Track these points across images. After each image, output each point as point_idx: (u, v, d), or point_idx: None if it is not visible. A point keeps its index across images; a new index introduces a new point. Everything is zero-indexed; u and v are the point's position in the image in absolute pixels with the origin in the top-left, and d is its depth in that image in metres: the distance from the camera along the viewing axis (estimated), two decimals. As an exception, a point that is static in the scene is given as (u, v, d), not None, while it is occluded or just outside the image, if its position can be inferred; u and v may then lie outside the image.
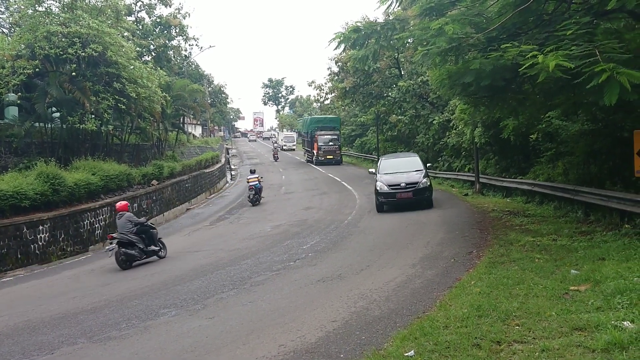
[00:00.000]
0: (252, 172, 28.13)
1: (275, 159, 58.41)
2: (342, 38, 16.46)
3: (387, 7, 15.69)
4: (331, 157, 48.49)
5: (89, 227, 19.23)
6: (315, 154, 49.64)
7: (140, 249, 14.53)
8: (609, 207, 13.50)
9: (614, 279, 7.79)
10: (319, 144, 49.07)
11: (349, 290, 9.40)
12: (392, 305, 8.19)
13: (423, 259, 11.59)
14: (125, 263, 14.17)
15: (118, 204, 15.16)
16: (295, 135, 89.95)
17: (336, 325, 7.45)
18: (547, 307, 7.01)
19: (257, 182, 27.08)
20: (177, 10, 45.63)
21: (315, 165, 48.55)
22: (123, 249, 14.15)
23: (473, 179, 25.93)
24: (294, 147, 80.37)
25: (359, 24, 16.75)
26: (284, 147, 79.84)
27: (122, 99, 23.43)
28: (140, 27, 42.18)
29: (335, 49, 18.77)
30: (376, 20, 19.39)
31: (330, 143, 49.08)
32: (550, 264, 9.71)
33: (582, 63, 9.25)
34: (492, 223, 15.80)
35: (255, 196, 26.87)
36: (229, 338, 7.47)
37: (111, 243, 14.45)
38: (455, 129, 27.40)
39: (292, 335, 7.21)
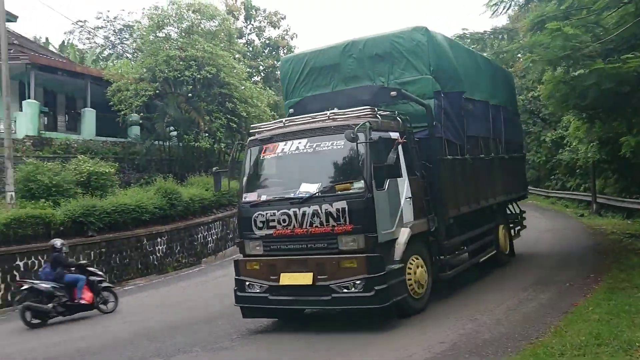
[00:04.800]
0: None
1: None
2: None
3: (493, 14, 15.45)
4: None
5: (202, 240, 20.15)
6: None
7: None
8: None
9: None
10: None
11: (456, 312, 9.19)
12: (502, 329, 7.90)
13: (535, 282, 11.08)
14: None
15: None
16: None
17: (444, 347, 7.31)
18: (677, 339, 6.49)
19: None
20: (285, 32, 46.86)
21: None
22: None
23: (589, 198, 24.59)
24: None
25: (465, 32, 16.73)
26: None
27: (233, 118, 24.47)
28: (251, 48, 43.78)
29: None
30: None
31: None
32: (679, 292, 8.98)
33: None
34: (612, 246, 14.85)
35: None
36: (334, 351, 7.54)
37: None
38: (569, 146, 26.12)
39: (400, 353, 7.16)
